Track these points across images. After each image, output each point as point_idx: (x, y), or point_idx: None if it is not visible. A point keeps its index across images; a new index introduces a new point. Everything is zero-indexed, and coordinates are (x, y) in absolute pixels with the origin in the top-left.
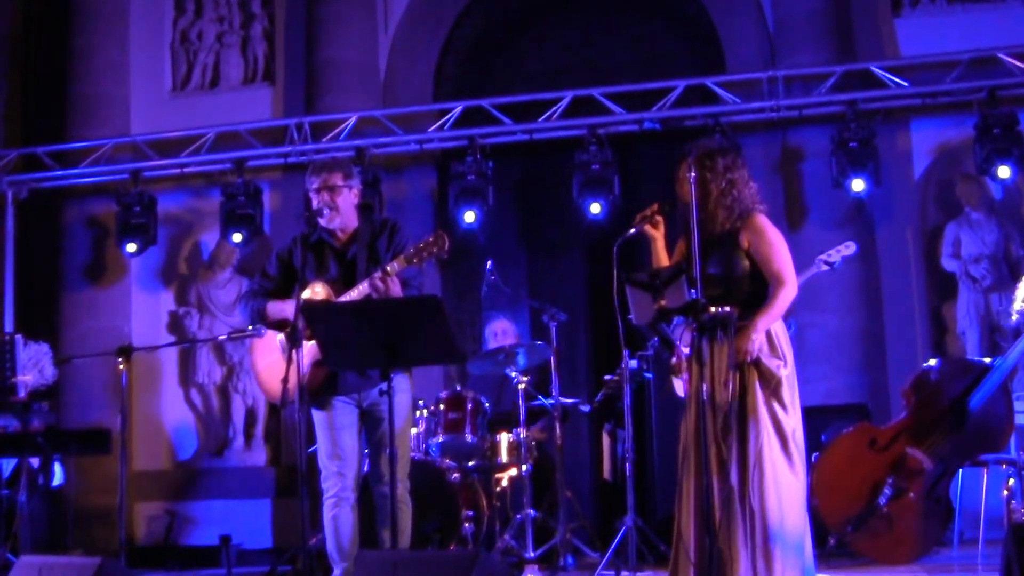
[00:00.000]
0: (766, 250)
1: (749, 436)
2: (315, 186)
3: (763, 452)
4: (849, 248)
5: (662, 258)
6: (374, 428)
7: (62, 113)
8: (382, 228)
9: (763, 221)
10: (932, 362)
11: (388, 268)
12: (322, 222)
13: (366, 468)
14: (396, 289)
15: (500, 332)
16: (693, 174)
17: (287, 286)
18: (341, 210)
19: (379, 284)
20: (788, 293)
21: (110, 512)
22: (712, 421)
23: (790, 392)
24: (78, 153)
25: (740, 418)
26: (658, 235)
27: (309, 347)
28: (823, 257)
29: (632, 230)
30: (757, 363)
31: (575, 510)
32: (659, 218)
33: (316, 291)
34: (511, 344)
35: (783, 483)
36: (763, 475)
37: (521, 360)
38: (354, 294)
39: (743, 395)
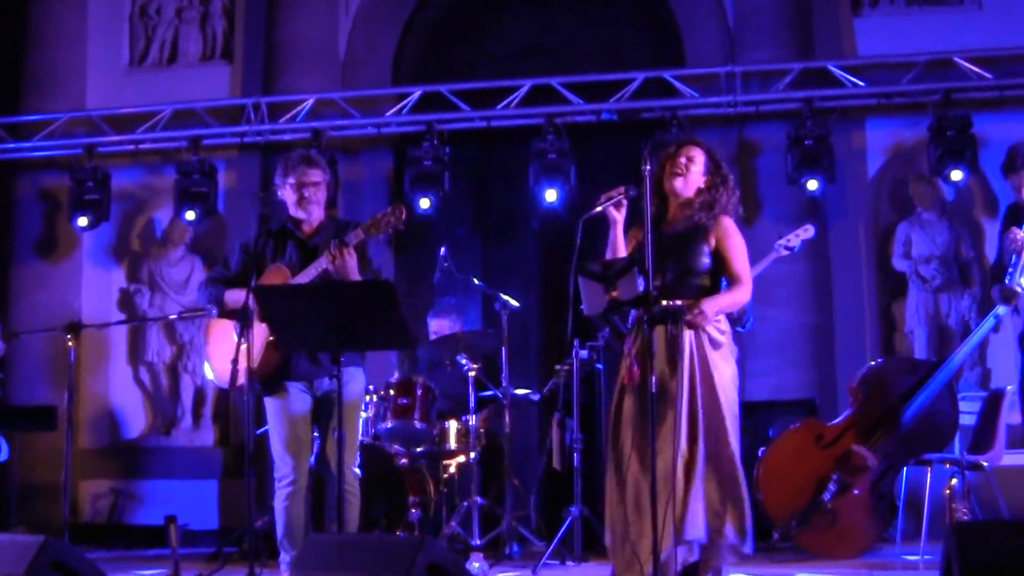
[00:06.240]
0: (732, 251)
1: (704, 404)
2: (292, 181)
3: (725, 418)
4: (808, 232)
5: (619, 242)
6: (327, 416)
7: (17, 84)
8: (346, 226)
9: (732, 224)
10: (880, 360)
11: (336, 255)
12: (293, 212)
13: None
14: (352, 264)
15: (436, 331)
16: (703, 157)
17: (248, 277)
18: (314, 205)
19: (335, 253)
20: (744, 294)
21: (55, 489)
22: (661, 411)
23: (733, 384)
24: (32, 126)
25: (702, 394)
26: (620, 219)
27: (261, 330)
28: (782, 242)
29: (598, 208)
30: (706, 335)
31: (522, 498)
32: (624, 201)
33: (271, 271)
34: (462, 331)
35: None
36: (728, 438)
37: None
38: (311, 271)
39: (690, 376)
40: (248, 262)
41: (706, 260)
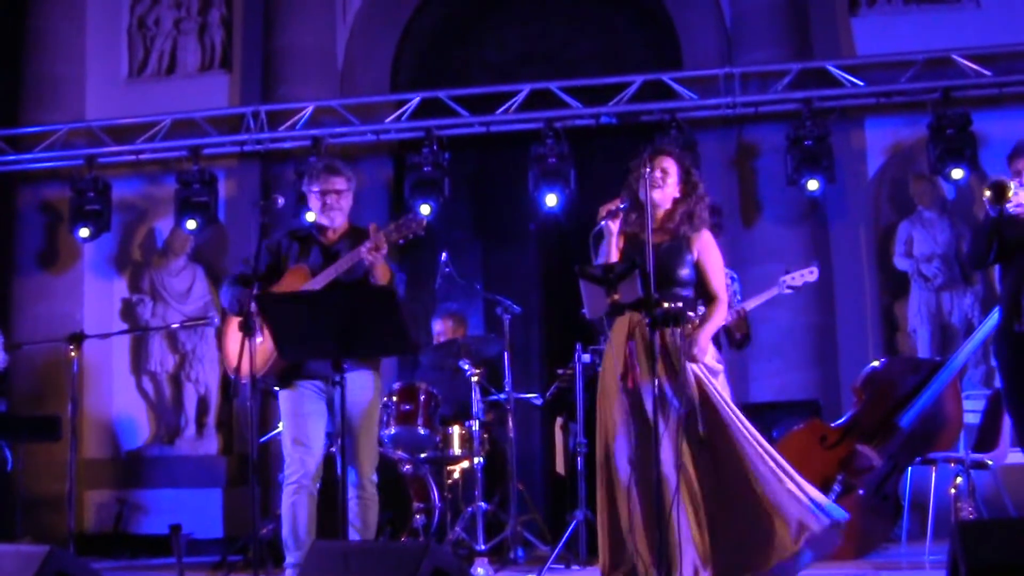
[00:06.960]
0: (713, 265)
1: (729, 426)
2: (316, 189)
3: (749, 432)
4: (812, 274)
5: (612, 252)
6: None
7: (17, 96)
8: (366, 233)
9: (712, 239)
10: (883, 360)
11: (379, 241)
12: (318, 219)
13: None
14: (383, 271)
15: (438, 331)
16: (676, 167)
17: (272, 276)
18: (336, 212)
19: (377, 242)
20: (723, 313)
21: (59, 499)
22: (666, 413)
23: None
24: (32, 137)
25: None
26: (615, 229)
27: None
28: (787, 279)
29: (602, 223)
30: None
31: (526, 503)
32: (620, 212)
33: (292, 271)
34: (463, 337)
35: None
36: (764, 449)
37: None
38: (330, 272)
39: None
40: (272, 263)
41: (688, 271)
